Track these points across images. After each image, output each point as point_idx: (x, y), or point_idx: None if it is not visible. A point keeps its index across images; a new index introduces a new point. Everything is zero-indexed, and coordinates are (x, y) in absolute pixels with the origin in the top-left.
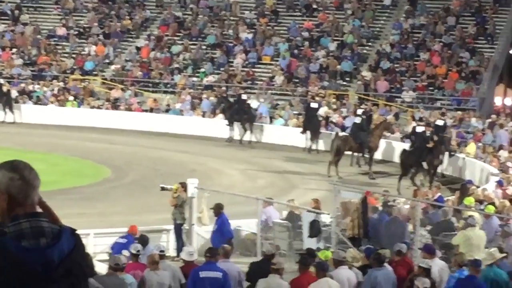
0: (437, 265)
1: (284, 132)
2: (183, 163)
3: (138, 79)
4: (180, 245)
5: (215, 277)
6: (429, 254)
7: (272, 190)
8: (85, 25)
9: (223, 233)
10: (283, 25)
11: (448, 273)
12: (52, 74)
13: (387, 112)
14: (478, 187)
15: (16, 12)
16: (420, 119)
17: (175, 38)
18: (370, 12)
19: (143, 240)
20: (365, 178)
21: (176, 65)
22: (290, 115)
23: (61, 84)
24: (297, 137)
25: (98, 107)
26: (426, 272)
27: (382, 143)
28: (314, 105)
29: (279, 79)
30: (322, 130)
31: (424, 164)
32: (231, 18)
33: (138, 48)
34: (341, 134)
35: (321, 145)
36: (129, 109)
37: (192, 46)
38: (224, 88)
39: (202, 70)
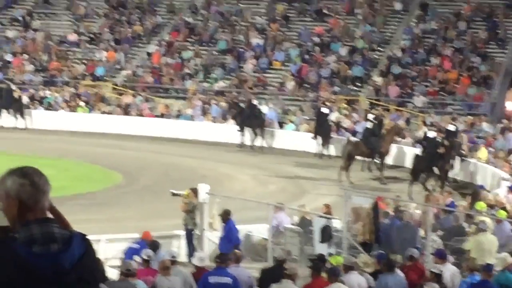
0: (449, 270)
1: (295, 138)
2: (194, 169)
3: (149, 85)
4: (191, 251)
5: (225, 283)
6: (440, 259)
7: (283, 195)
8: (96, 31)
9: (230, 240)
10: (294, 30)
11: (460, 278)
12: (63, 80)
13: (398, 117)
14: (489, 192)
15: (28, 18)
16: (431, 124)
17: (186, 43)
18: (381, 17)
19: (154, 246)
20: (376, 183)
21: (187, 71)
22: (301, 120)
23: (72, 90)
24: (308, 143)
25: (109, 113)
26: (438, 277)
27: (393, 148)
28: (325, 110)
29: (290, 85)
30: (333, 135)
31: (435, 169)
32: (242, 23)
33: (149, 54)
34: (352, 139)
35: (332, 150)
36: (140, 114)
37: (203, 52)
38: (235, 94)
39: (213, 75)
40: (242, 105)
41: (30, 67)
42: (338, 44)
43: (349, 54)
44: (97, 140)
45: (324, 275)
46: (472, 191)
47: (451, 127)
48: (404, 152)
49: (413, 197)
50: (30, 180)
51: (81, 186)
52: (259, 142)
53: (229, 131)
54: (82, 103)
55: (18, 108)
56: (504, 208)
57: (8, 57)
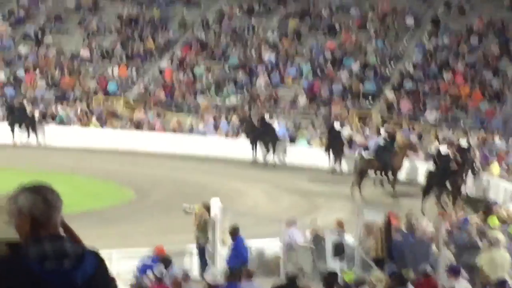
0: (462, 286)
1: (307, 153)
2: (206, 184)
3: (161, 101)
4: (203, 267)
5: None
6: (454, 275)
7: (295, 211)
8: (108, 47)
9: (238, 256)
10: (306, 45)
11: None
12: (75, 96)
13: (411, 132)
14: (502, 207)
15: (40, 34)
16: (444, 140)
17: (198, 59)
18: (393, 33)
19: (167, 262)
20: (388, 199)
21: (199, 86)
22: (313, 136)
23: (84, 105)
24: (320, 158)
25: (121, 129)
26: None
27: (406, 163)
28: (337, 126)
29: (302, 100)
30: (346, 151)
31: (448, 185)
32: (254, 39)
33: (161, 70)
34: (365, 155)
35: (345, 166)
36: (152, 130)
37: (215, 67)
38: (247, 109)
39: (225, 91)
40: (254, 120)
41: (42, 83)
42: (350, 60)
43: (361, 69)
44: (109, 156)
45: None
46: (484, 206)
47: (463, 143)
48: (416, 168)
49: (426, 213)
50: (42, 197)
51: (93, 202)
52: (271, 157)
53: (241, 147)
54: (94, 119)
55: (30, 124)
56: None
57: (20, 73)
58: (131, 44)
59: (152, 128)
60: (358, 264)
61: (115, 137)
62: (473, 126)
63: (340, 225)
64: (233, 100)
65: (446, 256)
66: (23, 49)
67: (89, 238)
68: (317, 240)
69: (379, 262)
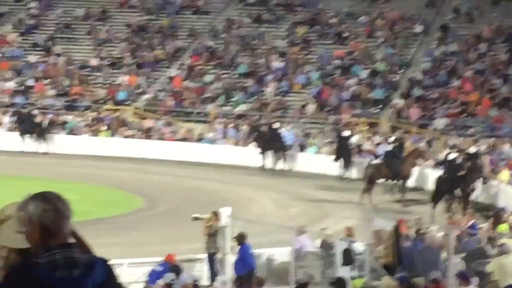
0: None
1: (317, 161)
2: (215, 192)
3: (171, 109)
4: (213, 275)
5: None
6: (464, 281)
7: (305, 218)
8: (117, 56)
9: (244, 264)
10: (315, 53)
11: None
12: (85, 105)
13: (420, 139)
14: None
15: (49, 43)
16: (453, 147)
17: (207, 67)
18: (402, 40)
19: (177, 270)
20: (398, 206)
21: (208, 94)
22: (322, 143)
23: (94, 114)
24: (329, 165)
25: (131, 137)
26: None
27: (415, 170)
28: (346, 133)
29: (311, 107)
30: (355, 158)
31: (457, 192)
32: (263, 47)
33: (170, 78)
34: (374, 162)
35: (354, 173)
36: (161, 138)
37: (224, 75)
38: (256, 117)
39: (234, 99)
40: (263, 128)
41: (51, 92)
42: (358, 67)
43: (370, 76)
44: (119, 164)
45: None
46: (494, 213)
47: (473, 149)
48: (425, 175)
49: (435, 220)
50: (52, 206)
51: (103, 211)
52: (280, 165)
53: (250, 155)
54: (103, 128)
55: (40, 132)
56: None
57: (30, 82)
58: (140, 52)
59: (161, 136)
60: (368, 271)
61: (124, 145)
62: (482, 133)
63: (350, 232)
64: (242, 108)
65: (456, 263)
66: (32, 58)
67: (99, 246)
68: (327, 247)
69: (389, 269)
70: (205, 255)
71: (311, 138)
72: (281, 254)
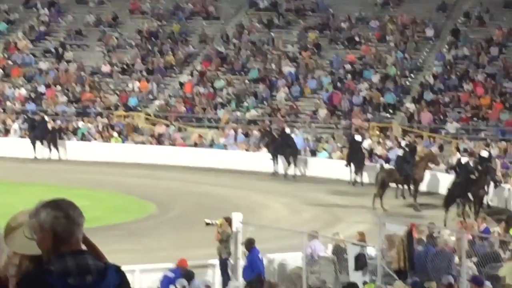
0: None
1: (328, 165)
2: (227, 198)
3: (182, 115)
4: (225, 280)
5: None
6: (477, 286)
7: (317, 223)
8: (128, 62)
9: (253, 269)
10: (326, 58)
11: None
12: (96, 111)
13: (431, 143)
14: None
15: (60, 49)
16: (465, 150)
17: (218, 73)
18: (413, 44)
19: (189, 275)
20: (410, 210)
21: (219, 100)
22: (334, 148)
23: (105, 120)
24: (341, 170)
25: (142, 143)
26: None
27: (427, 175)
28: (358, 137)
29: (323, 112)
30: (366, 162)
31: (470, 195)
32: (274, 52)
33: (181, 84)
34: (386, 166)
35: (366, 177)
36: (173, 144)
37: (235, 81)
38: (267, 122)
39: (246, 104)
40: (274, 133)
41: (63, 98)
42: (370, 71)
43: (381, 81)
44: (131, 170)
45: None
46: (506, 216)
47: (485, 153)
48: (437, 179)
49: (448, 224)
50: (64, 213)
51: (115, 217)
52: (292, 170)
53: (262, 160)
54: (115, 134)
55: (51, 139)
56: None
57: (42, 89)
58: (151, 58)
59: (173, 142)
60: (380, 275)
61: (136, 151)
62: (494, 137)
63: (362, 237)
64: (253, 113)
65: (468, 267)
66: (44, 64)
67: (111, 253)
68: (339, 252)
69: (401, 274)
70: (217, 261)
71: (322, 143)
72: (293, 259)
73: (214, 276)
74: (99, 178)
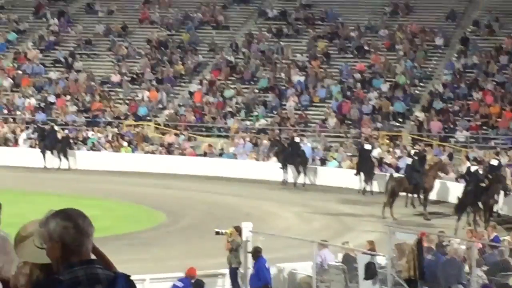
0: None
1: (338, 174)
2: (237, 207)
3: (192, 124)
4: None
5: None
6: None
7: (327, 232)
8: (138, 71)
9: (260, 278)
10: (335, 67)
11: None
12: (106, 120)
13: (441, 152)
14: None
15: (70, 59)
16: (475, 159)
17: (228, 82)
18: (422, 53)
19: (199, 285)
20: (420, 219)
21: (229, 109)
22: (344, 157)
23: (115, 130)
24: (351, 179)
25: (152, 152)
26: None
27: (437, 183)
28: (367, 146)
29: (332, 121)
30: (376, 171)
31: (480, 204)
32: (283, 61)
33: (191, 93)
34: (396, 175)
35: (375, 186)
36: (183, 153)
37: (244, 90)
38: (277, 131)
39: (255, 113)
40: (284, 142)
41: (73, 108)
42: (379, 80)
43: (390, 90)
44: (141, 179)
45: None
46: None
47: (494, 162)
48: (447, 187)
49: (458, 233)
50: (73, 223)
51: (125, 226)
52: (301, 179)
53: (271, 169)
54: (125, 143)
55: (61, 149)
56: None
57: (51, 98)
58: (161, 68)
59: (182, 151)
60: (390, 285)
61: (146, 160)
62: (503, 145)
63: (372, 245)
64: (263, 122)
65: (478, 276)
66: (53, 74)
67: (121, 262)
68: (349, 261)
69: (411, 283)
70: (227, 270)
71: (332, 152)
72: (303, 268)
73: (224, 285)
74: (109, 187)
